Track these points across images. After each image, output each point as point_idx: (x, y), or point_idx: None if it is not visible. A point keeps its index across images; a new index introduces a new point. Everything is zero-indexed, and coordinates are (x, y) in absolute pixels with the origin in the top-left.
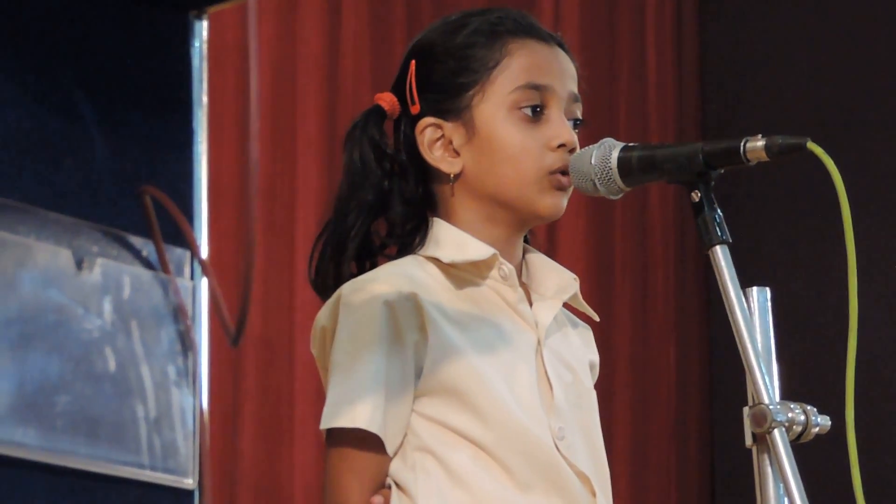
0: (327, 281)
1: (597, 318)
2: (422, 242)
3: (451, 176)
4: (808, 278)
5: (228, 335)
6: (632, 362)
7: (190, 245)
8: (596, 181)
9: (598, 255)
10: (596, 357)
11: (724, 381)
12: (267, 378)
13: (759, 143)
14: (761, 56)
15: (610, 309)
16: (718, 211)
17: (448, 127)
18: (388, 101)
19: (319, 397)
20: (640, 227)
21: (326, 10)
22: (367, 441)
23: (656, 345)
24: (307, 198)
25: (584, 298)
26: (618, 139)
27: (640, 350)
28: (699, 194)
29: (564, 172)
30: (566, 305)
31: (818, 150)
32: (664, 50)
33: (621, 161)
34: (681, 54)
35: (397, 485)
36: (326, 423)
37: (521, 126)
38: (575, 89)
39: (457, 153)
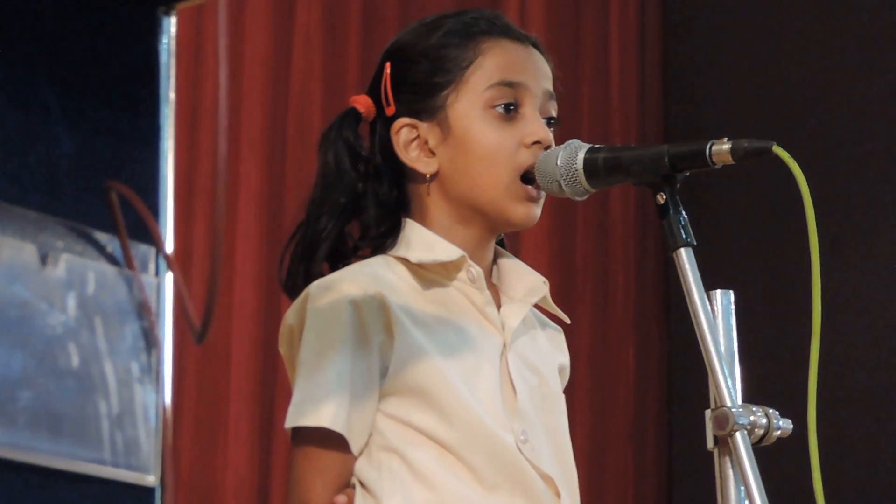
0: (297, 282)
1: (567, 321)
2: (393, 243)
3: (427, 176)
4: (772, 281)
5: (193, 332)
6: (591, 364)
7: (155, 241)
8: (561, 182)
9: (560, 257)
10: (566, 360)
11: (682, 384)
12: (204, 377)
13: (725, 146)
14: (724, 59)
15: (570, 310)
16: (683, 213)
17: (423, 127)
18: (363, 103)
19: (254, 398)
20: (601, 228)
21: (276, 8)
22: (332, 440)
23: (615, 346)
24: (248, 198)
25: None
26: (581, 140)
27: (600, 351)
28: (664, 196)
29: (535, 179)
30: (538, 307)
31: (783, 154)
32: (627, 52)
33: (587, 162)
34: (644, 57)
35: (362, 484)
36: (291, 421)
37: (496, 124)
38: (550, 87)
39: (432, 153)
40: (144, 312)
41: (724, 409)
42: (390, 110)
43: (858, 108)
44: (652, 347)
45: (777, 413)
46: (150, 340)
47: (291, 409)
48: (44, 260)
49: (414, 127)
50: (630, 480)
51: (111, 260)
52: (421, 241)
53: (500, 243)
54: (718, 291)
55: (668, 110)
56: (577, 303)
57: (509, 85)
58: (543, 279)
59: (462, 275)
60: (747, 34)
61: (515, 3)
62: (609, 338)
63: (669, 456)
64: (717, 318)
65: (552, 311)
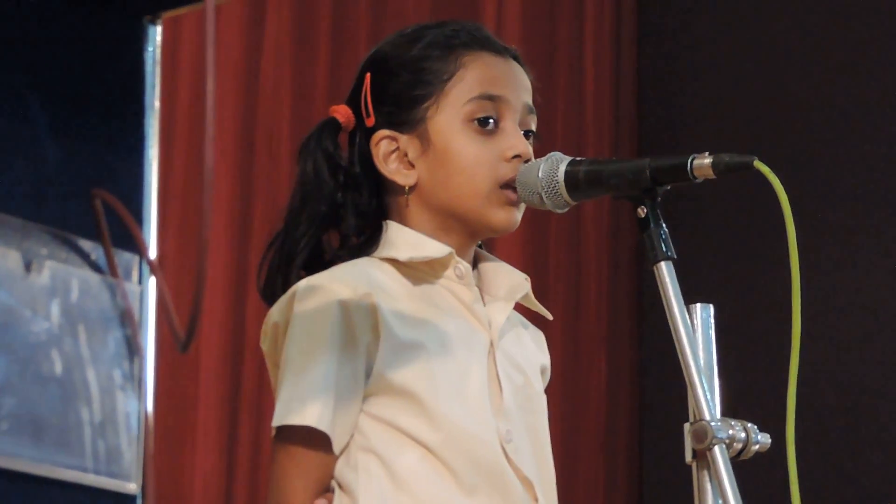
0: (276, 291)
1: (550, 317)
2: (375, 247)
3: (406, 188)
4: (752, 295)
5: (177, 341)
6: (563, 372)
7: (139, 248)
8: (542, 194)
9: (533, 266)
10: (547, 360)
11: (653, 393)
12: (173, 384)
13: (707, 160)
14: (699, 71)
15: (542, 319)
16: (664, 227)
17: (403, 139)
18: (342, 113)
19: (222, 405)
20: (574, 238)
21: (248, 17)
22: (316, 440)
23: (587, 355)
24: (218, 206)
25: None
26: (555, 150)
27: (572, 360)
28: (645, 210)
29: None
30: (520, 307)
31: (765, 169)
32: (602, 63)
33: (568, 175)
34: (618, 67)
35: (340, 485)
36: (278, 420)
37: (476, 137)
38: (530, 101)
39: (412, 165)
40: (127, 320)
41: (703, 422)
42: (370, 121)
43: (835, 117)
44: (624, 357)
45: (756, 427)
46: (133, 348)
47: (278, 408)
48: (28, 267)
49: (394, 139)
50: (601, 489)
51: (95, 267)
52: (406, 240)
53: (480, 246)
54: (698, 305)
55: (643, 121)
56: (548, 309)
57: (490, 98)
58: (525, 276)
59: (449, 272)
60: (722, 45)
61: (492, 14)
62: (581, 347)
63: (640, 465)
64: (696, 331)
65: (535, 309)
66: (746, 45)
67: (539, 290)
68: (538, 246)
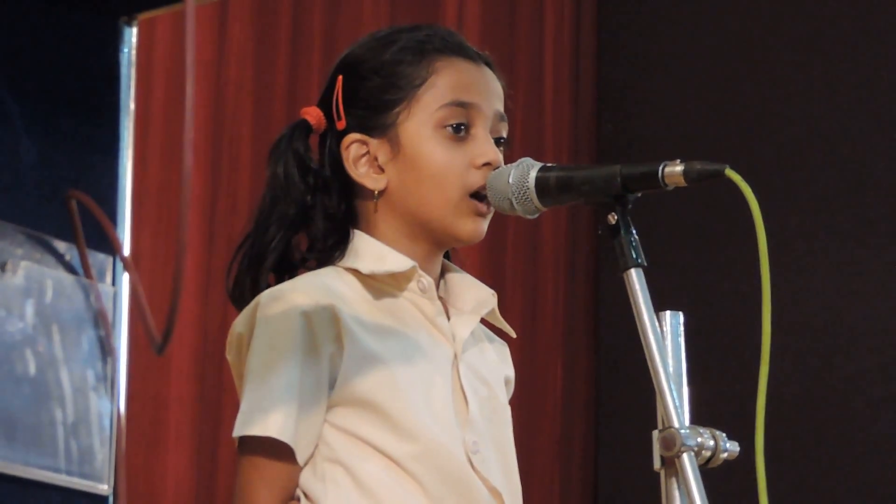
0: (244, 293)
1: (513, 335)
2: (342, 255)
3: (375, 192)
4: (722, 303)
5: (153, 343)
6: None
7: (113, 249)
8: (513, 200)
9: (490, 272)
10: (511, 372)
11: (609, 400)
12: (145, 384)
13: (678, 168)
14: (658, 79)
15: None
16: (634, 234)
17: (374, 143)
18: (314, 115)
19: (194, 404)
20: (531, 244)
21: (215, 18)
22: (279, 450)
23: (543, 362)
24: (192, 207)
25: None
26: (513, 156)
27: (528, 367)
28: (615, 217)
29: (485, 196)
30: (484, 321)
31: (736, 177)
32: (561, 71)
33: (539, 181)
34: (577, 75)
35: (306, 495)
36: (239, 430)
37: (446, 144)
38: (501, 108)
39: (381, 170)
40: (101, 321)
41: (672, 430)
42: (341, 124)
43: (796, 123)
44: (580, 363)
45: (725, 435)
46: (106, 349)
47: (239, 419)
48: (3, 267)
49: (364, 143)
50: (556, 496)
51: (69, 268)
52: (371, 251)
53: (446, 257)
54: (668, 312)
55: (602, 128)
56: (505, 318)
57: (461, 105)
58: (492, 292)
59: (413, 285)
60: (681, 53)
61: (452, 19)
62: (537, 353)
63: (595, 472)
64: (666, 339)
65: (499, 325)
66: (706, 54)
67: (497, 297)
68: (495, 252)
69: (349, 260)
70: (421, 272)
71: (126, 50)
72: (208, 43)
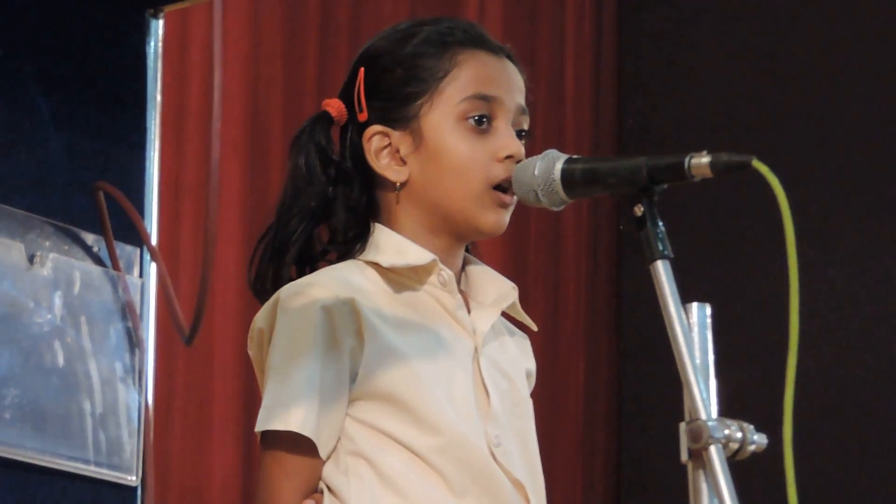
0: (266, 285)
1: (535, 328)
2: (363, 248)
3: (397, 184)
4: (750, 295)
5: (182, 334)
6: (541, 374)
7: (141, 240)
8: (539, 192)
9: (512, 266)
10: (533, 365)
11: (632, 395)
12: (189, 378)
13: (704, 159)
14: (679, 72)
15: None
16: (661, 226)
17: (395, 136)
18: (335, 107)
19: (238, 398)
20: (554, 238)
21: (249, 13)
22: (301, 444)
23: (566, 357)
24: (230, 200)
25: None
26: (534, 150)
27: (550, 361)
28: (642, 209)
29: (508, 188)
30: (504, 314)
31: (763, 169)
32: (582, 63)
33: (565, 173)
34: (599, 68)
35: (329, 488)
36: (261, 425)
37: (469, 137)
38: (523, 101)
39: (403, 162)
40: (129, 313)
41: (699, 422)
42: (363, 116)
43: (822, 113)
44: (602, 358)
45: (752, 427)
46: (134, 341)
47: (261, 413)
48: (31, 259)
49: (386, 135)
50: (578, 491)
51: (97, 260)
52: (391, 245)
53: (467, 249)
54: (694, 304)
55: (623, 122)
56: (527, 312)
57: (484, 98)
58: (513, 285)
59: (433, 279)
60: (703, 45)
61: (473, 14)
62: (560, 347)
63: (618, 467)
64: (693, 331)
65: (520, 318)
66: (729, 46)
67: (519, 291)
68: (518, 247)
69: (370, 253)
70: (441, 266)
71: (152, 42)
72: (244, 37)
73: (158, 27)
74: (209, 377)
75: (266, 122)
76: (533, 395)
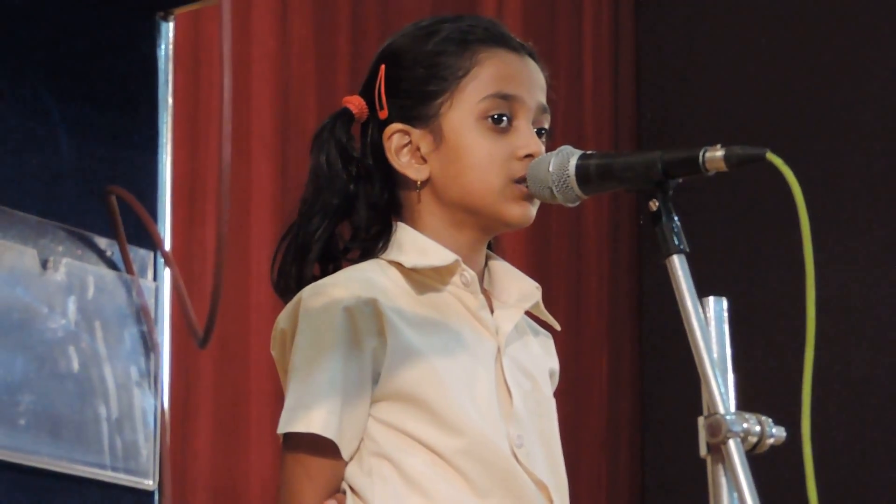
0: (289, 283)
1: (558, 328)
2: (385, 247)
3: (418, 182)
4: (766, 288)
5: (196, 337)
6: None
7: (154, 243)
8: (553, 188)
9: (534, 264)
10: (556, 365)
11: (654, 390)
12: (222, 379)
13: (719, 153)
14: (697, 67)
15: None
16: (676, 220)
17: (416, 134)
18: (356, 104)
19: (275, 398)
20: (574, 236)
21: (277, 11)
22: (323, 446)
23: (588, 354)
24: (261, 200)
25: None
26: (554, 146)
27: (573, 359)
28: (657, 203)
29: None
30: (528, 313)
31: (777, 161)
32: (600, 58)
33: (579, 169)
34: (617, 63)
35: (353, 489)
36: (283, 427)
37: (489, 135)
38: (543, 100)
39: (424, 160)
40: (143, 317)
41: (718, 416)
42: (383, 114)
43: (838, 107)
44: (624, 354)
45: (770, 421)
46: (149, 344)
47: (283, 415)
48: (44, 264)
49: (406, 133)
50: (603, 487)
51: (110, 264)
52: (414, 245)
53: (489, 248)
54: (711, 298)
55: (641, 117)
56: (549, 310)
57: (504, 97)
58: (536, 285)
59: (455, 279)
60: (720, 40)
61: (492, 10)
62: (582, 345)
63: (642, 463)
64: (710, 325)
65: (543, 318)
66: (746, 40)
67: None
68: (539, 245)
69: (392, 253)
70: (464, 266)
71: (163, 45)
72: (270, 36)
73: (169, 30)
74: (245, 377)
75: (300, 120)
76: (556, 391)
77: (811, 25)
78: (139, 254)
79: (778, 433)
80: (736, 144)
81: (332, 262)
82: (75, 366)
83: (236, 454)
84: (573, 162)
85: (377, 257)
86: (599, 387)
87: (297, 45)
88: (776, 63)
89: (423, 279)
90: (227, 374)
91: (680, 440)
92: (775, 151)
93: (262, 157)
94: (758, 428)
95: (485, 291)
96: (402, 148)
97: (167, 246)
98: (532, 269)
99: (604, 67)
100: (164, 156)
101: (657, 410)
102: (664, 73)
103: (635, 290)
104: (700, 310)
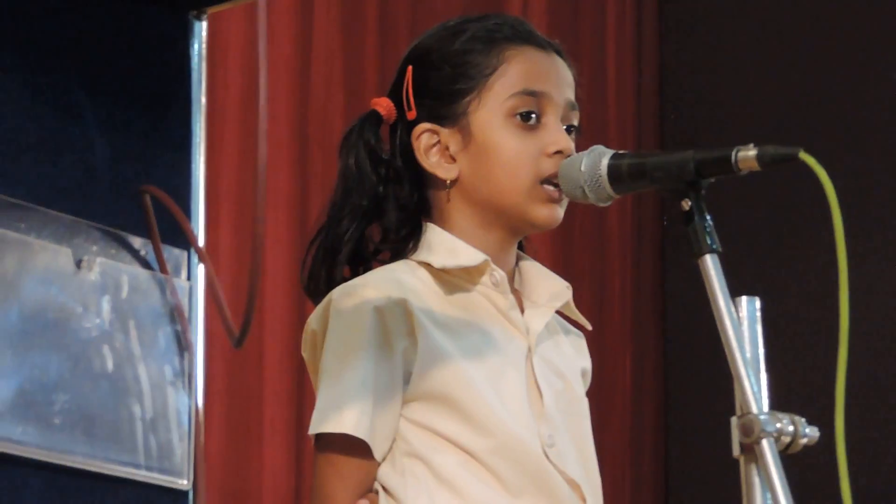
0: (319, 285)
1: (589, 327)
2: (415, 247)
3: (447, 182)
4: (800, 288)
5: (231, 337)
6: None
7: (188, 243)
8: (585, 188)
9: (558, 265)
10: (588, 364)
11: (678, 391)
12: (235, 379)
13: (751, 152)
14: (721, 66)
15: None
16: (709, 220)
17: (444, 133)
18: (384, 105)
19: (289, 399)
20: (599, 236)
21: (298, 12)
22: (355, 446)
23: (612, 354)
24: (278, 202)
25: None
26: (577, 145)
27: (597, 358)
28: (689, 203)
29: (557, 183)
30: (558, 313)
31: (810, 161)
32: (624, 58)
33: (611, 168)
34: (640, 63)
35: (385, 489)
36: (315, 428)
37: (518, 133)
38: (572, 97)
39: (453, 159)
40: (177, 316)
41: (751, 416)
42: (411, 114)
43: (866, 106)
44: (649, 354)
45: (804, 420)
46: (183, 344)
47: (315, 416)
48: (79, 264)
49: (435, 132)
50: (627, 486)
51: (144, 264)
52: (443, 245)
53: (520, 247)
54: (744, 298)
55: (665, 116)
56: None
57: (532, 94)
58: (566, 284)
59: (485, 279)
60: (744, 39)
61: (517, 10)
62: (606, 345)
63: (666, 463)
64: (742, 324)
65: (574, 317)
66: (770, 40)
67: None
68: (563, 246)
69: (422, 253)
70: (493, 266)
71: (196, 44)
72: (291, 37)
73: (202, 29)
74: (259, 379)
75: (328, 121)
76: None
77: (837, 21)
78: (173, 253)
79: (811, 433)
80: (766, 143)
81: (362, 264)
82: (110, 365)
83: (249, 455)
84: (605, 161)
85: (407, 258)
86: (623, 387)
87: (320, 47)
88: (801, 61)
89: (453, 279)
90: (240, 374)
91: (703, 441)
92: (802, 148)
93: (277, 160)
94: (791, 428)
95: (515, 292)
96: (430, 147)
97: (201, 244)
98: (556, 269)
99: (627, 66)
100: (198, 155)
101: (680, 411)
102: (688, 72)
103: (659, 290)
104: (733, 310)
